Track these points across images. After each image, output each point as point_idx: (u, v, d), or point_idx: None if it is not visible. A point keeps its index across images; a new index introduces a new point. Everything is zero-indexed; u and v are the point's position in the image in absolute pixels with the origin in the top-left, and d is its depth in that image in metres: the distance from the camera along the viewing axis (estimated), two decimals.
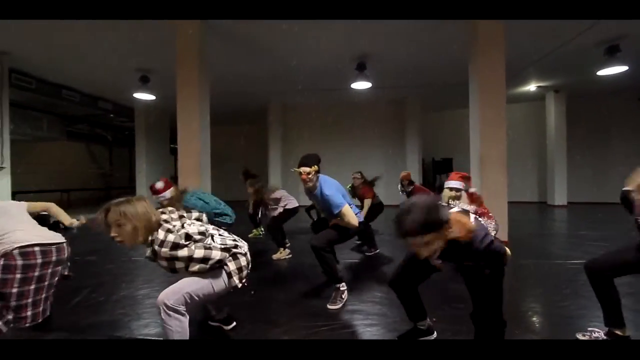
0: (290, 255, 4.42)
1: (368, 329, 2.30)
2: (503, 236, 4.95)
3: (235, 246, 1.84)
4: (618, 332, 1.98)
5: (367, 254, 4.44)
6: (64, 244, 2.11)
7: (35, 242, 1.96)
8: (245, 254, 1.85)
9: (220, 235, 1.90)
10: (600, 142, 9.92)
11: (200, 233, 1.72)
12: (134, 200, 1.67)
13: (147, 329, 2.31)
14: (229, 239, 1.89)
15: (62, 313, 2.55)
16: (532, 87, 8.98)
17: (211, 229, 1.90)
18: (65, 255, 2.11)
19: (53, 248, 2.02)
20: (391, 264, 3.97)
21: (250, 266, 1.91)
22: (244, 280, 1.82)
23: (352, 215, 2.66)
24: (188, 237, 1.67)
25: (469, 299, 1.70)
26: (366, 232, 4.35)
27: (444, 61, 6.56)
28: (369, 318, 2.46)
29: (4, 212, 2.11)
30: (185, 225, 1.75)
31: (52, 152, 13.50)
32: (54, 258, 2.02)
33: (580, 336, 2.12)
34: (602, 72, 6.28)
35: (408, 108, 10.15)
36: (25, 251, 1.92)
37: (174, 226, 1.69)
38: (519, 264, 3.94)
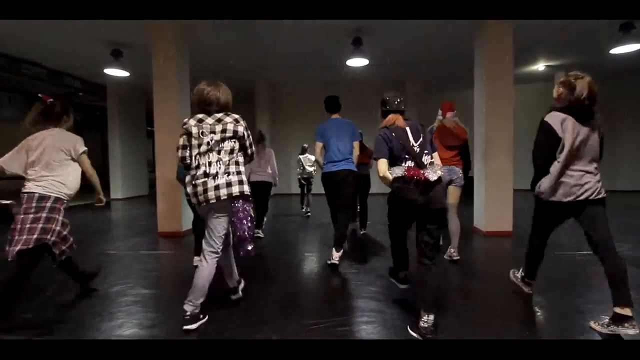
0: (259, 235, 4.90)
1: (364, 326, 2.27)
2: (507, 225, 4.99)
3: (197, 176, 2.22)
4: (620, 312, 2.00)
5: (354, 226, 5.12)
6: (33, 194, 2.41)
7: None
8: (204, 184, 2.19)
9: (207, 160, 2.21)
10: (610, 124, 10.00)
11: (182, 147, 2.26)
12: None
13: (120, 330, 2.24)
14: (203, 163, 2.21)
15: (26, 311, 2.47)
16: (540, 66, 8.95)
17: (209, 152, 2.23)
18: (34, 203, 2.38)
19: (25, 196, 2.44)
20: (387, 259, 3.96)
21: (210, 194, 2.19)
22: (202, 203, 2.23)
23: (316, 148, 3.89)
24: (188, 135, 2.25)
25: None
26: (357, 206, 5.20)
27: (447, 36, 6.44)
28: (365, 315, 2.44)
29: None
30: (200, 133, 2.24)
31: (15, 134, 13.11)
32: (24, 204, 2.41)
33: (592, 324, 2.15)
34: (615, 51, 6.25)
35: (408, 89, 10.04)
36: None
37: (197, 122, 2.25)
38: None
